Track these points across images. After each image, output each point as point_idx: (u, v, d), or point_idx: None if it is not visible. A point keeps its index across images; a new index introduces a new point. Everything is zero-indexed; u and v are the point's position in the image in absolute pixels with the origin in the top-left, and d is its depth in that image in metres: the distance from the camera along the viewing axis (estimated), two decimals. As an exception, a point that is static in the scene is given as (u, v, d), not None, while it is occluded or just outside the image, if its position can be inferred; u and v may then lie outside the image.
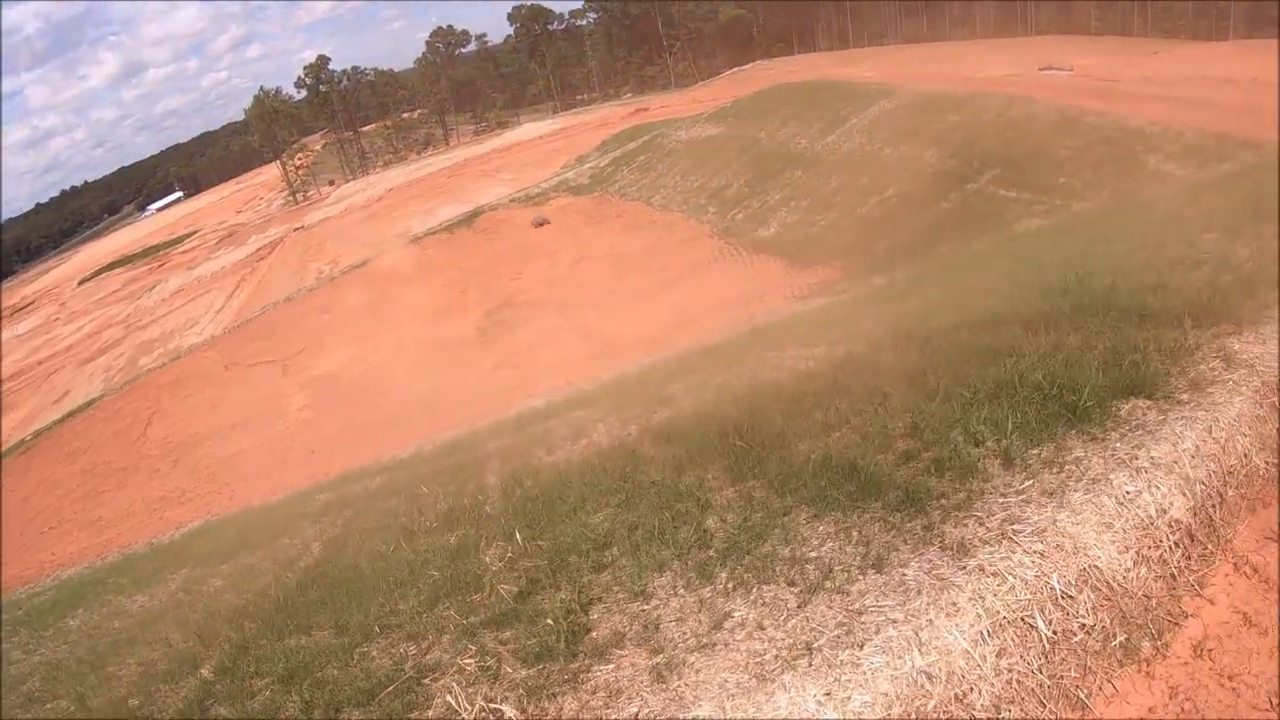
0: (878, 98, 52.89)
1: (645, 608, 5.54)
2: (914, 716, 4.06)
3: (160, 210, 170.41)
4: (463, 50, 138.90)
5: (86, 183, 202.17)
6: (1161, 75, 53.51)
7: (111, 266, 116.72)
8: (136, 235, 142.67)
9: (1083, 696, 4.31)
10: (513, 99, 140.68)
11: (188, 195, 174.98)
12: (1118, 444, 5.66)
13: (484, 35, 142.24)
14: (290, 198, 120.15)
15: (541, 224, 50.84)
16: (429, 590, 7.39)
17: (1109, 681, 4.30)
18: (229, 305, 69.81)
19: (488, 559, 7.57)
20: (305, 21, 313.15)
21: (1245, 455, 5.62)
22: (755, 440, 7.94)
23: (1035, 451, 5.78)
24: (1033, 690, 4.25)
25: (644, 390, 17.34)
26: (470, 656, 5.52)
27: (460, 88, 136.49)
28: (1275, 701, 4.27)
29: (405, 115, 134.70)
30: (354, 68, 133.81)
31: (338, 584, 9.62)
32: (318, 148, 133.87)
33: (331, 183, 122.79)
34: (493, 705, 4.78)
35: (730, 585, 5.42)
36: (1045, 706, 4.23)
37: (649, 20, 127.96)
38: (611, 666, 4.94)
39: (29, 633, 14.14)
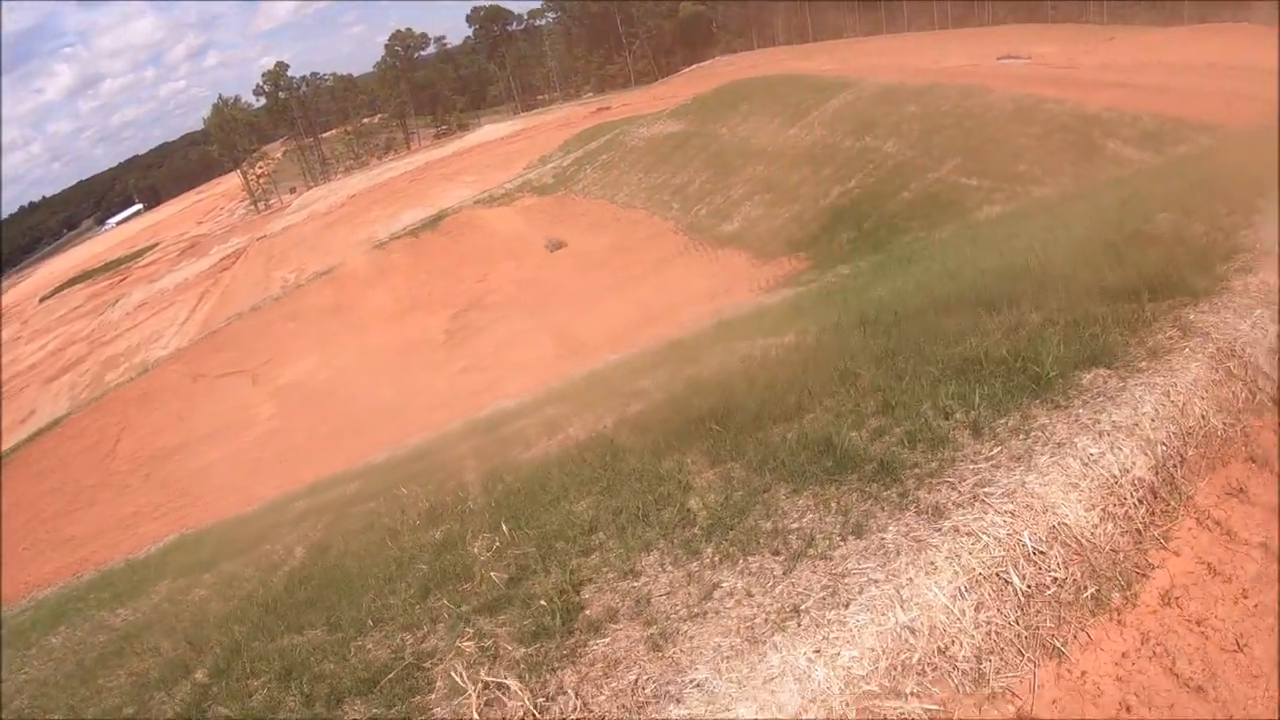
0: (838, 91, 53.28)
1: (635, 585, 5.71)
2: (900, 668, 4.27)
3: (120, 224, 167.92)
4: (422, 53, 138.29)
5: (45, 198, 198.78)
6: (1118, 62, 54.37)
7: (73, 282, 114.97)
8: (97, 250, 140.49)
9: (1059, 645, 4.55)
10: (473, 101, 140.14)
11: (147, 207, 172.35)
12: (1080, 410, 5.92)
13: (443, 37, 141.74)
14: (252, 207, 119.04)
15: (557, 247, 49.45)
16: (419, 583, 7.48)
17: (1083, 630, 4.54)
18: (193, 317, 69.17)
19: (475, 550, 7.66)
20: (263, 28, 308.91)
21: (1203, 417, 5.91)
22: (731, 425, 8.11)
23: (1002, 421, 6.03)
24: (1011, 641, 4.49)
25: (616, 385, 17.46)
26: (468, 639, 5.67)
27: (420, 91, 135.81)
28: (1242, 643, 4.54)
29: (365, 120, 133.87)
30: (313, 74, 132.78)
31: (326, 584, 9.71)
32: (278, 156, 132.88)
33: (293, 190, 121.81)
34: (495, 679, 4.92)
35: (717, 559, 5.61)
36: (1024, 655, 4.47)
37: (608, 19, 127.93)
38: (607, 640, 5.11)
39: (12, 653, 13.97)
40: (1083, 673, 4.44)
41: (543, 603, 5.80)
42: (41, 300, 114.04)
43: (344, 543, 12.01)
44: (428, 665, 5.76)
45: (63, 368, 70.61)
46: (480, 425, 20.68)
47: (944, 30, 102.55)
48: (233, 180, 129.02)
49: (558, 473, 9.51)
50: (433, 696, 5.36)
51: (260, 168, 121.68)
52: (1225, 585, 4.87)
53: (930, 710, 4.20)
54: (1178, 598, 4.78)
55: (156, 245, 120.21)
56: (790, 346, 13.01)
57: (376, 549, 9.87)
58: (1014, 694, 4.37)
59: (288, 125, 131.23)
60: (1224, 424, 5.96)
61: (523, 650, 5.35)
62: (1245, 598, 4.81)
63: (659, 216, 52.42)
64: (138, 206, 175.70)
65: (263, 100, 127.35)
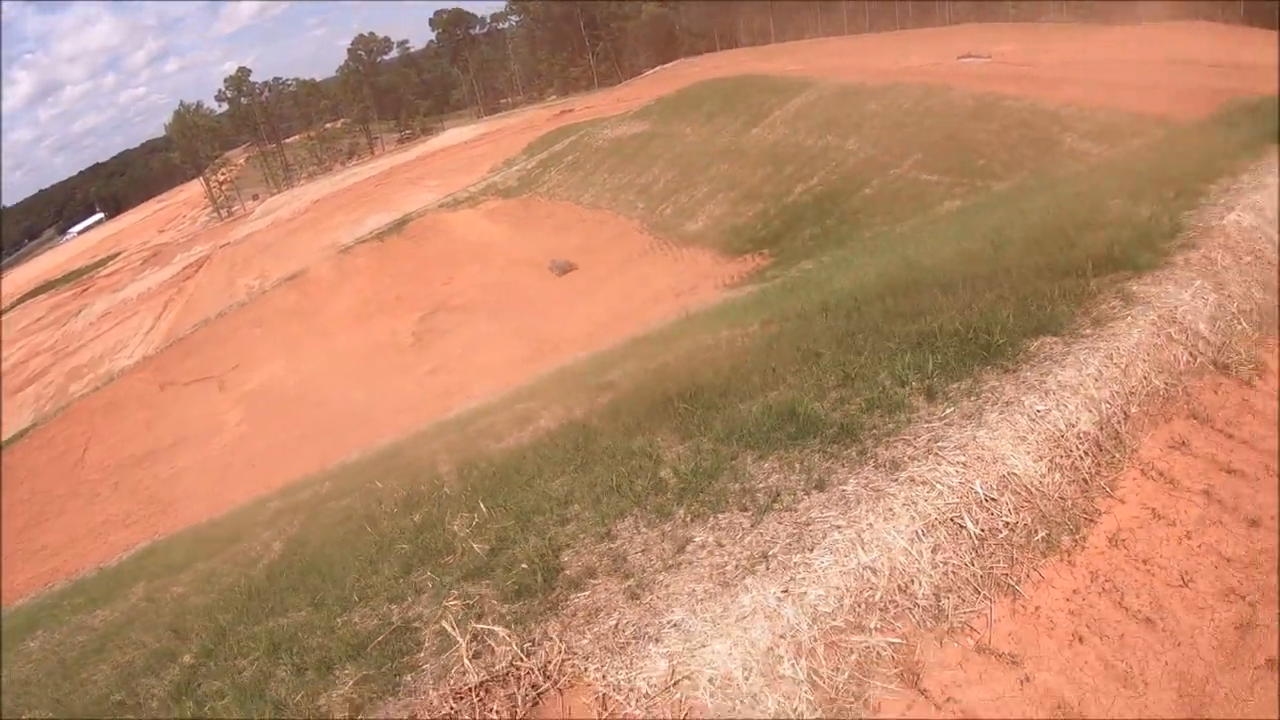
0: (800, 91, 53.83)
1: (611, 546, 5.97)
2: (864, 605, 4.57)
3: (81, 233, 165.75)
4: (385, 57, 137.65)
5: (5, 208, 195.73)
6: (1077, 59, 55.35)
7: (35, 293, 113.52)
8: (59, 260, 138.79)
9: (1013, 583, 4.88)
10: (436, 105, 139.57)
11: (109, 216, 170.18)
12: (1028, 373, 6.29)
13: (406, 42, 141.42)
14: (214, 214, 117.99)
15: (565, 271, 48.61)
16: (401, 561, 7.65)
17: (1035, 570, 4.87)
18: (158, 326, 68.54)
19: (455, 528, 7.84)
20: (224, 32, 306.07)
21: (1145, 378, 6.31)
22: (699, 404, 8.40)
23: (955, 385, 6.39)
24: (967, 580, 4.81)
25: (584, 379, 17.64)
26: (454, 600, 5.90)
27: (383, 95, 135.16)
28: (1187, 578, 4.89)
29: (329, 125, 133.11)
30: (275, 79, 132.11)
31: (308, 569, 9.83)
32: (241, 162, 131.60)
33: (256, 197, 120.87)
34: (485, 627, 5.16)
35: (688, 518, 5.90)
36: (980, 593, 4.79)
37: (571, 21, 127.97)
38: (587, 593, 5.38)
39: (-12, 658, 13.88)
40: (1036, 608, 4.77)
41: (524, 565, 6.02)
42: (2, 312, 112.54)
43: (322, 534, 12.11)
44: (416, 626, 5.98)
45: (27, 379, 69.71)
46: (450, 424, 20.76)
47: (905, 30, 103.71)
48: (195, 187, 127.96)
49: (532, 457, 9.73)
50: (421, 655, 5.57)
51: (223, 174, 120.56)
52: (1170, 528, 5.24)
53: (894, 643, 4.50)
54: (1124, 540, 5.12)
55: (119, 254, 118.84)
56: (754, 335, 13.32)
57: (356, 536, 9.98)
58: (972, 628, 4.68)
59: (250, 131, 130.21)
60: (1165, 384, 6.36)
61: (507, 607, 5.58)
62: (1189, 538, 5.19)
63: (624, 216, 52.72)
64: (99, 215, 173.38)
65: (225, 106, 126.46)
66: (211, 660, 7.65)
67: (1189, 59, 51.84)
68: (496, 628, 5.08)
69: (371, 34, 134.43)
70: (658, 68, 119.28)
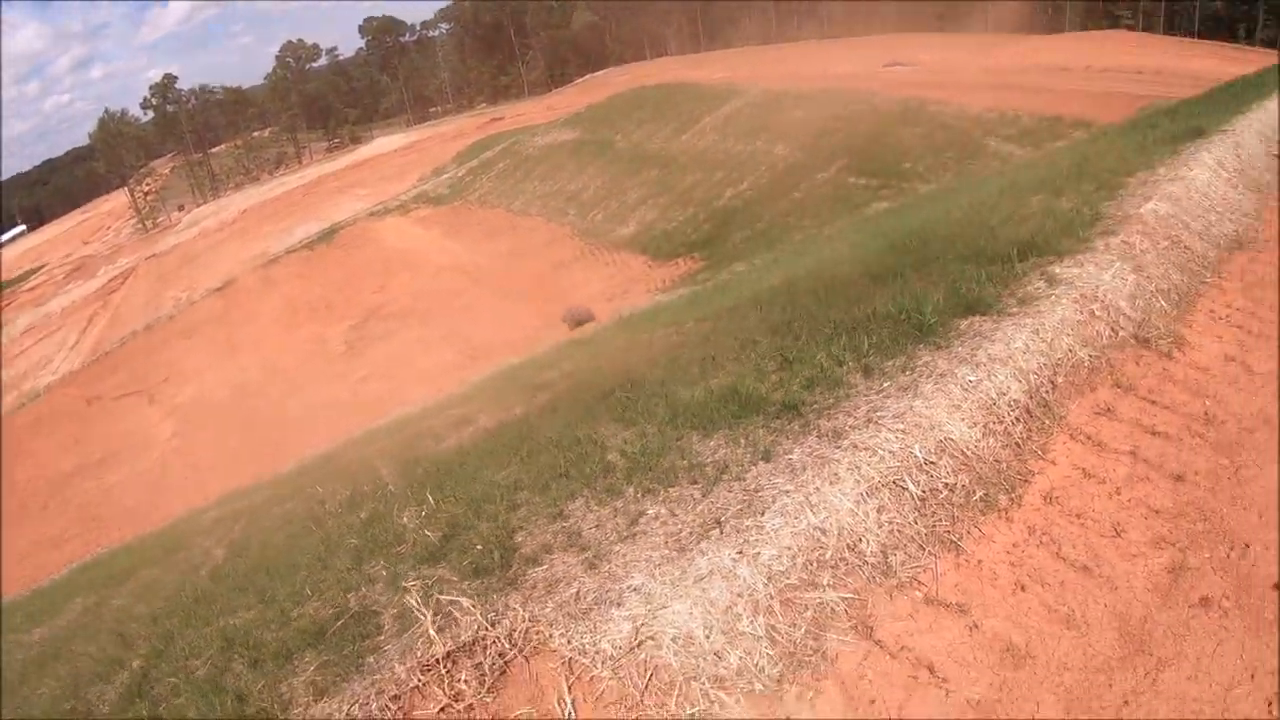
0: (729, 97, 54.65)
1: (565, 525, 6.09)
2: (816, 564, 4.79)
3: (2, 246, 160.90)
4: (314, 65, 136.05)
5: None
6: (999, 66, 57.08)
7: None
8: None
9: (955, 540, 5.15)
10: (365, 113, 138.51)
11: (31, 228, 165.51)
12: (959, 348, 6.62)
13: (335, 49, 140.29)
14: (140, 225, 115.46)
15: (582, 323, 47.06)
16: (351, 555, 7.63)
17: (975, 527, 5.15)
18: (84, 340, 66.99)
19: (404, 520, 7.82)
20: (150, 39, 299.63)
21: (1070, 350, 6.69)
22: (640, 393, 8.58)
23: (890, 362, 6.69)
24: (912, 538, 5.07)
25: (521, 380, 17.73)
26: (412, 581, 5.98)
27: (312, 103, 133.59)
28: (1119, 529, 5.23)
29: (256, 134, 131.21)
30: (202, 86, 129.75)
31: (254, 570, 9.72)
32: (166, 172, 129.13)
33: (182, 208, 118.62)
34: (450, 598, 5.27)
35: (639, 494, 6.05)
36: (925, 550, 5.05)
37: (501, 30, 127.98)
38: (545, 567, 5.50)
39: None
40: (979, 561, 5.04)
41: (479, 547, 6.13)
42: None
43: (265, 538, 11.99)
44: (375, 611, 6.04)
45: (-55, 398, 67.62)
46: (386, 429, 20.70)
47: (833, 39, 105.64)
48: (120, 198, 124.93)
49: (475, 452, 9.83)
50: (382, 637, 5.63)
51: (148, 184, 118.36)
52: (1100, 485, 5.59)
53: (847, 598, 4.72)
54: (1058, 497, 5.44)
55: (42, 267, 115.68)
56: (690, 330, 13.58)
57: (301, 537, 9.88)
58: (919, 582, 4.92)
59: (176, 140, 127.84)
60: (1090, 356, 6.74)
61: (468, 584, 5.68)
62: (1119, 494, 5.54)
63: (555, 223, 53.08)
64: (20, 228, 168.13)
65: (150, 114, 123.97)
66: (162, 662, 7.53)
67: (1107, 65, 53.77)
68: (461, 598, 5.19)
69: (300, 41, 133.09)
70: (588, 76, 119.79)
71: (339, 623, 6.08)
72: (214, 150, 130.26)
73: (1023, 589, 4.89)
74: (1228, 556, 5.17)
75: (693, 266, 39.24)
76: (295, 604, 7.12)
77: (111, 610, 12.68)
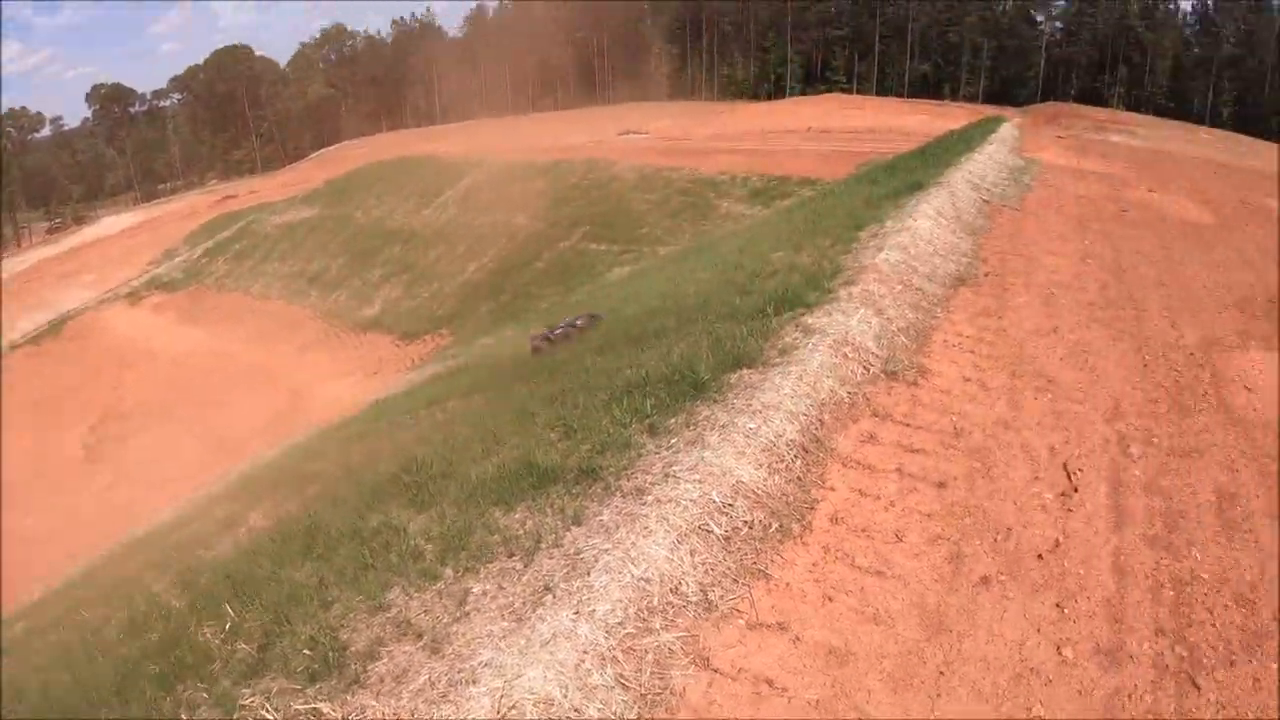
0: (468, 170, 55.24)
1: (390, 615, 6.07)
2: (646, 611, 5.20)
3: None
4: (36, 135, 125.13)
5: None
6: (729, 131, 60.84)
7: None
8: None
9: (762, 569, 5.76)
10: (90, 190, 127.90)
11: None
12: (735, 400, 7.34)
13: (59, 119, 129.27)
14: None
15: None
16: (156, 682, 7.05)
17: (778, 555, 5.80)
18: None
19: (206, 636, 7.30)
20: None
21: (832, 390, 7.66)
22: (425, 475, 8.55)
23: (673, 420, 7.26)
24: (725, 573, 5.61)
25: (285, 473, 17.19)
26: (251, 697, 5.73)
27: (33, 179, 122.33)
28: (900, 535, 6.05)
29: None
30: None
31: (34, 716, 8.95)
32: None
33: None
34: (310, 706, 5.21)
35: (459, 574, 6.16)
36: (739, 582, 5.61)
37: (234, 101, 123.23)
38: (386, 661, 5.50)
39: None
40: (787, 583, 5.68)
41: (306, 652, 5.92)
42: None
43: (38, 676, 10.94)
44: (212, 730, 5.78)
45: None
46: (146, 540, 19.36)
47: (569, 110, 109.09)
48: None
49: (260, 555, 9.30)
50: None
51: None
52: (876, 501, 6.45)
53: (680, 637, 5.16)
54: (842, 517, 6.23)
55: None
56: (456, 408, 13.78)
57: (85, 670, 9.16)
58: (739, 611, 5.46)
59: None
60: (849, 393, 7.71)
61: (309, 691, 5.55)
62: (893, 506, 6.42)
63: (298, 305, 51.62)
64: None
65: None
66: None
67: (827, 127, 58.58)
68: (319, 704, 5.16)
69: (22, 109, 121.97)
70: (321, 150, 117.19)
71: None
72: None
73: (830, 600, 5.56)
74: (995, 541, 6.16)
75: (441, 342, 39.34)
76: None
77: None
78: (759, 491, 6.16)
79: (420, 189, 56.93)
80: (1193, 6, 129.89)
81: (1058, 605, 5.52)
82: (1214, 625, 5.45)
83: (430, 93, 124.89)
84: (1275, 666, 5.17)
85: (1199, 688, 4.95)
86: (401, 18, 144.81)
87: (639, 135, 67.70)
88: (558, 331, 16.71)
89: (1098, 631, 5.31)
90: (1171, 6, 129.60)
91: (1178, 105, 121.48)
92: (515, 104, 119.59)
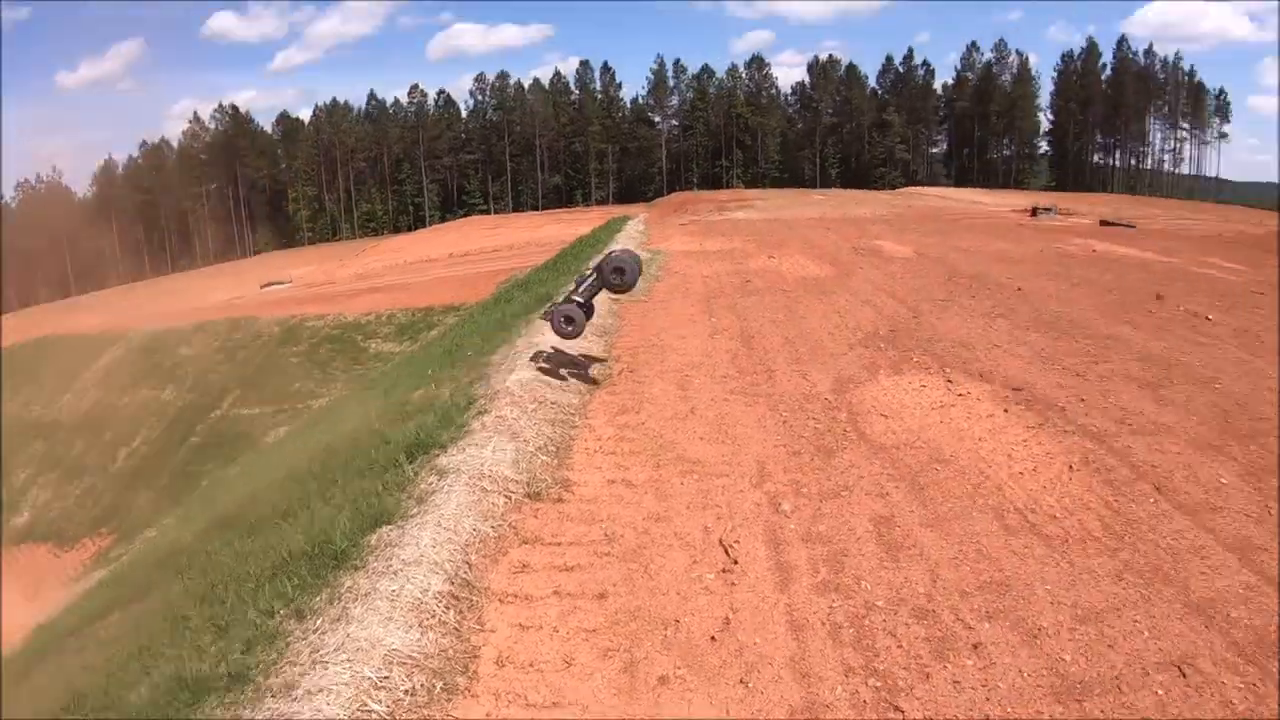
0: (107, 346, 52.02)
1: None
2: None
3: None
4: None
5: None
6: (369, 270, 60.38)
7: None
8: None
9: (434, 733, 5.48)
10: None
11: None
12: (375, 563, 7.07)
13: None
14: None
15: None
16: None
17: (448, 716, 5.46)
18: None
19: None
20: None
21: (474, 529, 7.55)
22: (87, 712, 8.01)
23: (317, 599, 6.87)
24: (395, 755, 5.30)
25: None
26: None
27: None
28: (569, 660, 5.97)
29: None
30: None
31: None
32: None
33: None
34: None
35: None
36: (411, 753, 5.31)
37: None
38: None
39: None
40: (471, 741, 5.43)
41: None
42: None
43: None
44: None
45: None
46: None
47: (208, 265, 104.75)
48: None
49: None
50: None
51: None
52: (539, 632, 6.32)
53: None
54: (508, 657, 6.03)
55: None
56: (113, 623, 12.72)
57: None
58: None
59: None
60: (493, 527, 7.66)
61: None
62: (557, 632, 6.32)
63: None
64: None
65: None
66: None
67: (471, 250, 59.56)
68: None
69: None
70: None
71: None
72: None
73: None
74: (665, 637, 6.21)
75: (103, 544, 35.99)
76: None
77: None
78: (415, 655, 5.85)
79: (56, 373, 51.96)
80: (792, 87, 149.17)
81: (742, 682, 5.62)
82: (900, 646, 5.83)
83: (61, 262, 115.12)
84: (970, 663, 5.62)
85: (901, 710, 5.21)
86: (26, 179, 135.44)
87: (281, 285, 66.06)
88: (585, 285, 12.65)
89: (788, 694, 5.45)
90: (774, 90, 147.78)
91: (791, 174, 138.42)
92: (154, 263, 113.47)
